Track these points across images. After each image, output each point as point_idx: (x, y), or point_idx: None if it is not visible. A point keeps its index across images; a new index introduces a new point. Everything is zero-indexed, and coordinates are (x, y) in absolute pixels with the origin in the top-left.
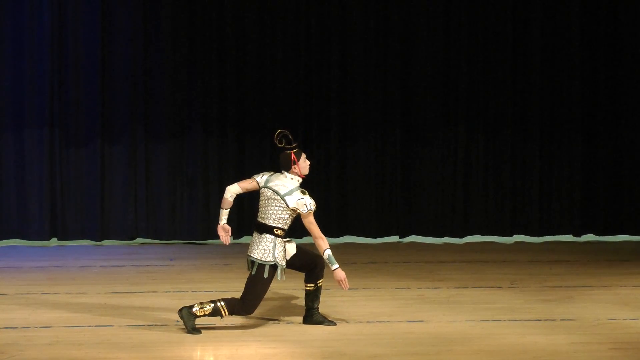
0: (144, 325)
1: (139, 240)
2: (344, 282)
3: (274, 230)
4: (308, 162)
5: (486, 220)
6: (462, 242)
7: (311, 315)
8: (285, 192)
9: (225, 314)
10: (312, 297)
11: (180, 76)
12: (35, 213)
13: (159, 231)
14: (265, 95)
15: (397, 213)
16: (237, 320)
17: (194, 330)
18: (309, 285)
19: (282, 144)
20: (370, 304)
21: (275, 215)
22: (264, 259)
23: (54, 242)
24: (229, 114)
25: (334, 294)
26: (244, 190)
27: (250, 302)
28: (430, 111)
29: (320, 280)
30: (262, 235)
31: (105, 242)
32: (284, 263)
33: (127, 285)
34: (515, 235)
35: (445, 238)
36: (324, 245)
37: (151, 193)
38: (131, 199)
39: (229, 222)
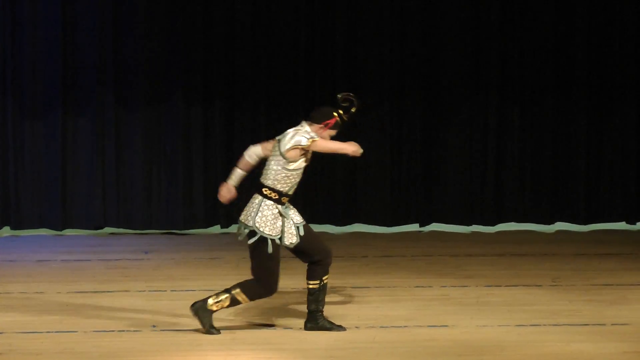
0: (113, 330)
1: (107, 229)
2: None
3: (263, 190)
4: (334, 138)
5: (522, 205)
6: (493, 231)
7: (315, 319)
8: (282, 136)
9: (246, 301)
10: (316, 297)
11: (157, 33)
12: None
13: (131, 219)
14: (259, 57)
15: (417, 197)
16: (225, 324)
17: (212, 328)
18: (312, 282)
19: (342, 102)
20: (385, 306)
21: (273, 170)
22: (246, 222)
23: (6, 231)
24: (216, 79)
25: (339, 292)
26: (266, 153)
27: (266, 281)
28: (456, 77)
29: (326, 277)
30: (254, 196)
31: (68, 232)
32: (268, 231)
33: (93, 284)
34: (557, 223)
35: (473, 226)
36: (350, 147)
37: (122, 174)
38: (98, 180)
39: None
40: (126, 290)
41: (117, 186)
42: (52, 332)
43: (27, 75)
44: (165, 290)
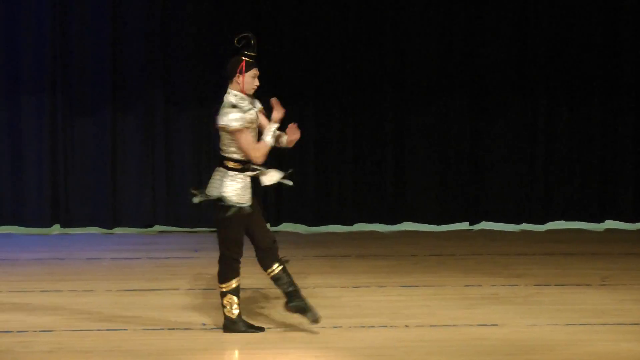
0: (163, 329)
1: (156, 228)
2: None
3: (225, 162)
4: (257, 83)
5: (571, 203)
6: (543, 230)
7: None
8: (220, 109)
9: (238, 280)
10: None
11: (205, 31)
12: (34, 195)
13: (180, 217)
14: (306, 54)
15: (466, 195)
16: (274, 323)
17: (251, 328)
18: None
19: (240, 44)
20: (434, 305)
21: (223, 142)
22: (210, 193)
23: (56, 229)
24: (262, 76)
25: (389, 290)
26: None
27: (225, 252)
28: (504, 76)
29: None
30: (216, 170)
31: (117, 230)
32: (236, 200)
33: (142, 282)
34: (606, 222)
35: (523, 225)
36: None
37: (172, 172)
38: (148, 178)
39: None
40: (175, 289)
41: (167, 184)
42: (102, 330)
43: (76, 73)
44: (215, 289)
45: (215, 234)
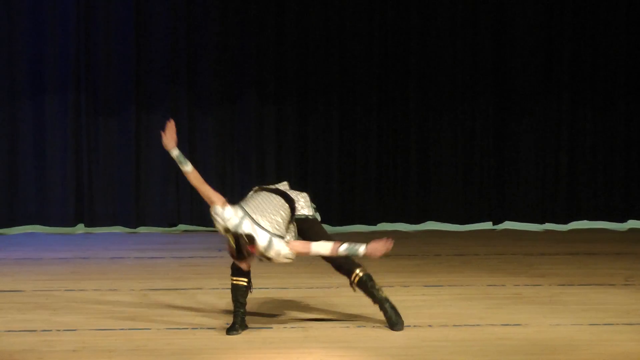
0: (187, 328)
1: (181, 227)
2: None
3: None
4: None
5: (595, 203)
6: (566, 229)
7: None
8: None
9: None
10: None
11: (230, 32)
12: (58, 194)
13: (204, 217)
14: (332, 54)
15: (489, 195)
16: (298, 322)
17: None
18: None
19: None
20: (457, 305)
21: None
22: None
23: (80, 229)
24: (288, 76)
25: (412, 290)
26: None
27: None
28: (528, 76)
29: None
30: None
31: (141, 230)
32: None
33: (166, 281)
34: (629, 221)
35: (546, 224)
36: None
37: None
38: (172, 178)
39: None
40: (199, 288)
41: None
42: (125, 329)
43: (100, 73)
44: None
45: None
